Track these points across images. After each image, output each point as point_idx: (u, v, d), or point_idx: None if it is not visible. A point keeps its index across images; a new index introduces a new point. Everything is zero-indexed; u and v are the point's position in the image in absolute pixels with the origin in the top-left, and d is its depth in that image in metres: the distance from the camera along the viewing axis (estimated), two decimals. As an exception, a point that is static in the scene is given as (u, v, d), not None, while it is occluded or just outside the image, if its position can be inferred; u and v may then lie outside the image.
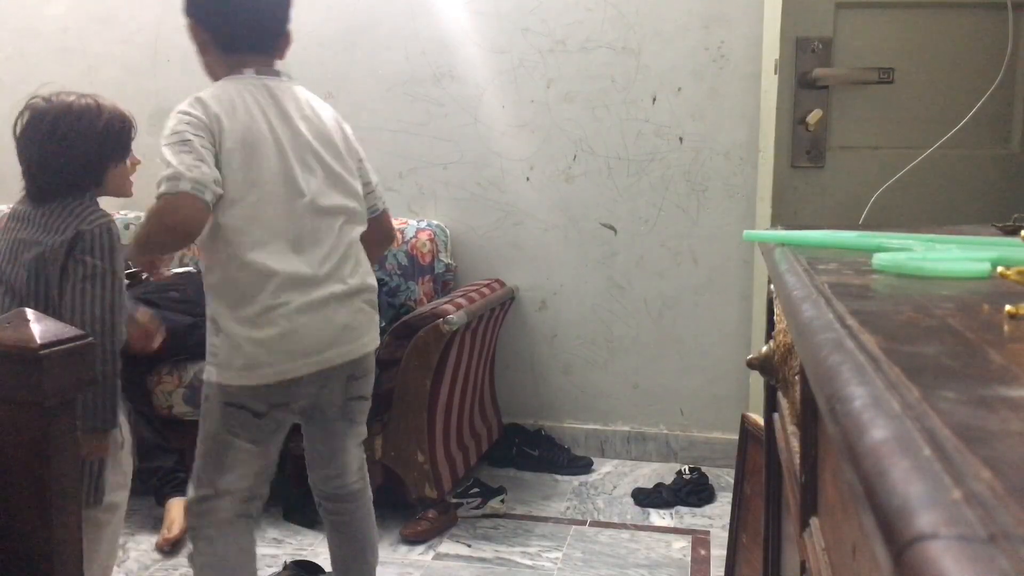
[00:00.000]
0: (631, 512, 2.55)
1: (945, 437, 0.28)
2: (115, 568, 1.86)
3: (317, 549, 2.26)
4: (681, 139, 2.81)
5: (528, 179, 2.93)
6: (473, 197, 2.98)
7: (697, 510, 2.56)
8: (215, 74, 1.58)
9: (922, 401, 0.32)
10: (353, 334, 1.59)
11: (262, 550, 1.97)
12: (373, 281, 1.68)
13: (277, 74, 1.60)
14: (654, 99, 2.81)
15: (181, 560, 2.24)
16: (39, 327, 0.98)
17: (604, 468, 2.89)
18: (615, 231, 2.89)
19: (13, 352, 0.96)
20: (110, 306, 1.50)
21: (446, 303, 2.41)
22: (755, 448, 1.67)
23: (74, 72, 3.17)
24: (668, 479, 2.71)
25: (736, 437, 1.82)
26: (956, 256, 0.70)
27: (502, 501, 2.52)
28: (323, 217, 1.56)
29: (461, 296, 2.54)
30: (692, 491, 2.62)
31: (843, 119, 2.08)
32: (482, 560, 2.24)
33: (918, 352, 0.40)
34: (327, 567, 1.96)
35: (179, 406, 2.49)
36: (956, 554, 0.21)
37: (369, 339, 1.65)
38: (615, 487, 2.74)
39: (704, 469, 2.75)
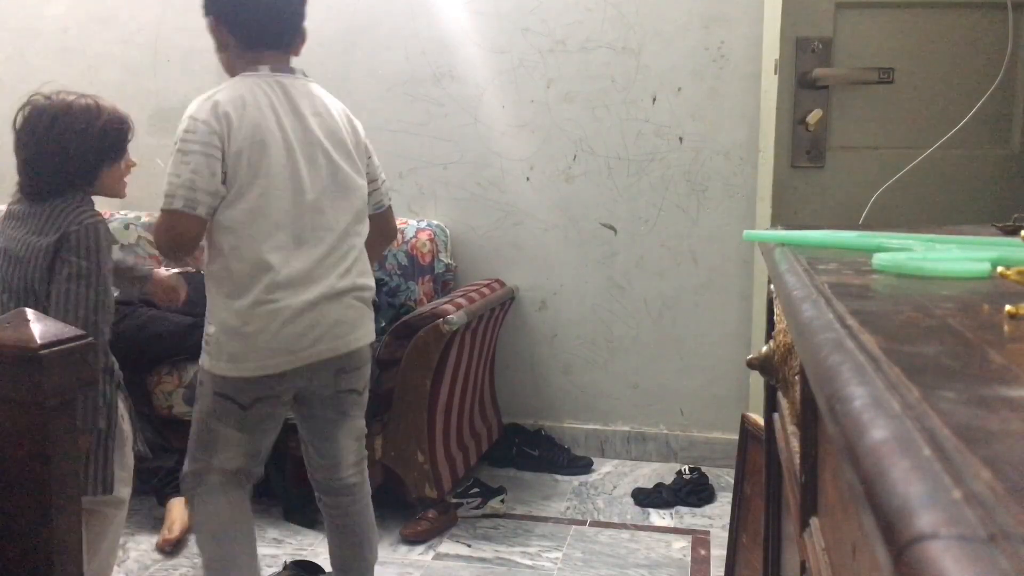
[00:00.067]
0: (631, 512, 2.55)
1: (945, 437, 0.28)
2: (115, 568, 1.86)
3: (317, 549, 2.26)
4: (681, 139, 2.81)
5: (528, 179, 2.93)
6: (473, 197, 2.98)
7: (697, 510, 2.56)
8: (232, 70, 1.62)
9: (922, 401, 0.32)
10: (343, 329, 1.62)
11: (262, 550, 1.97)
12: (370, 281, 1.70)
13: (292, 71, 1.64)
14: (654, 99, 2.81)
15: (181, 560, 2.24)
16: (39, 327, 0.98)
17: (604, 468, 2.89)
18: (615, 231, 2.89)
19: (13, 352, 0.96)
20: (94, 306, 1.51)
21: (446, 303, 2.41)
22: (755, 448, 1.67)
23: (74, 72, 3.17)
24: (668, 479, 2.71)
25: (736, 437, 1.82)
26: (956, 256, 0.70)
27: (502, 501, 2.52)
28: (325, 216, 1.60)
29: (461, 296, 2.54)
30: (692, 491, 2.62)
31: (843, 119, 2.08)
32: (482, 560, 2.24)
33: (918, 352, 0.40)
34: (327, 567, 1.96)
35: (179, 406, 2.49)
36: (956, 554, 0.21)
37: (361, 334, 1.67)
38: (615, 487, 2.74)
39: (704, 469, 2.75)
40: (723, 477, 2.73)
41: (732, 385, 2.86)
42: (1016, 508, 0.23)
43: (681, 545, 2.33)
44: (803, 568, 0.73)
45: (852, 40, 2.04)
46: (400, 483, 2.37)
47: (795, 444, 0.82)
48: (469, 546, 2.32)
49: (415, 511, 2.39)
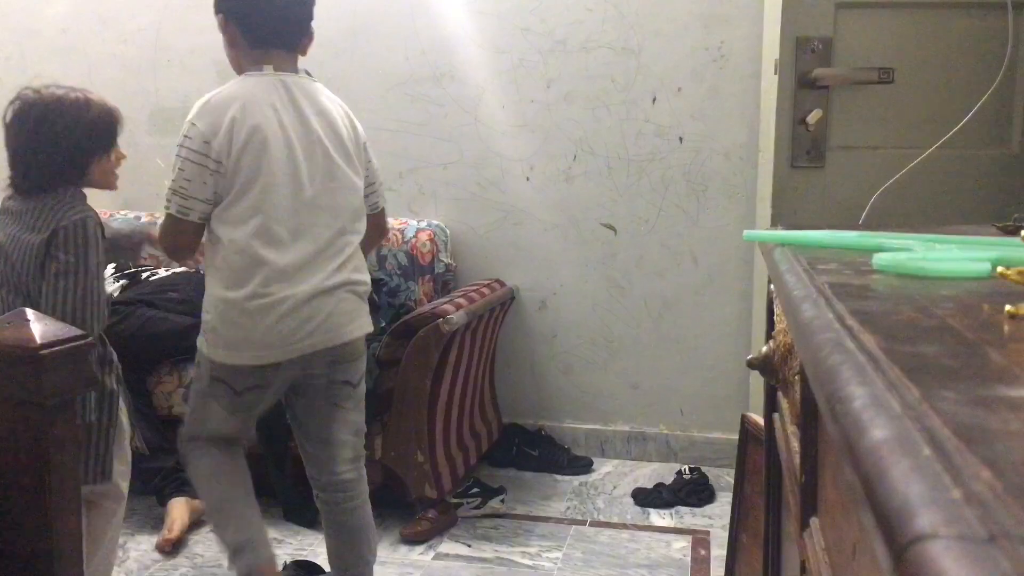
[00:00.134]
0: (631, 512, 2.55)
1: (945, 437, 0.28)
2: (115, 568, 1.86)
3: (317, 549, 2.26)
4: (681, 139, 2.81)
5: (528, 179, 2.93)
6: (473, 197, 2.98)
7: (697, 510, 2.56)
8: (239, 67, 1.67)
9: (922, 401, 0.32)
10: (338, 321, 1.66)
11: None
12: (365, 276, 1.75)
13: (296, 71, 1.67)
14: (654, 99, 2.81)
15: (181, 560, 2.24)
16: (39, 327, 0.98)
17: (604, 468, 2.89)
18: (615, 231, 2.89)
19: (13, 352, 0.96)
20: (81, 301, 1.52)
21: (446, 303, 2.41)
22: (755, 448, 1.67)
23: (74, 72, 3.17)
24: (668, 479, 2.71)
25: (736, 437, 1.82)
26: (956, 256, 0.70)
27: (502, 501, 2.53)
28: (323, 213, 1.64)
29: (461, 296, 2.54)
30: (692, 491, 2.62)
31: (843, 119, 2.08)
32: (482, 560, 2.24)
33: (918, 352, 0.40)
34: (327, 567, 1.96)
35: (179, 406, 2.48)
36: (956, 554, 0.21)
37: (356, 326, 1.71)
38: (615, 487, 2.74)
39: (704, 469, 2.75)
40: (723, 477, 2.73)
41: (732, 385, 2.86)
42: (1016, 508, 0.23)
43: (681, 545, 2.33)
44: (803, 568, 0.73)
45: (852, 40, 2.04)
46: (400, 483, 2.37)
47: (795, 444, 0.82)
48: (469, 546, 2.32)
49: (415, 511, 2.39)
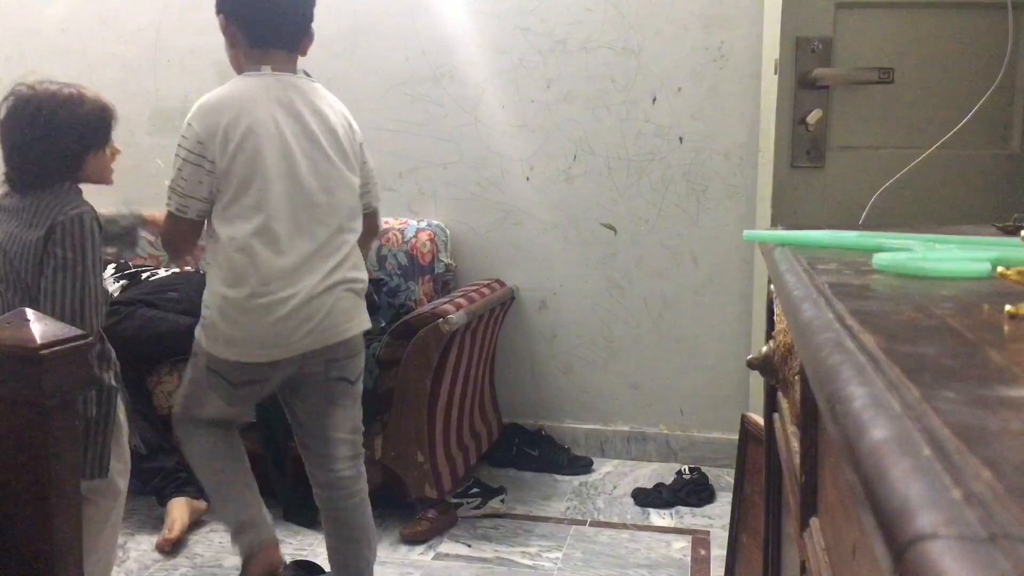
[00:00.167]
0: (631, 512, 2.55)
1: (945, 437, 0.28)
2: (115, 568, 1.86)
3: (317, 549, 2.26)
4: (681, 139, 2.81)
5: (528, 179, 2.93)
6: (473, 197, 2.98)
7: (697, 510, 2.56)
8: (239, 67, 1.69)
9: (922, 401, 0.32)
10: (335, 319, 1.67)
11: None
12: (362, 274, 1.76)
13: (295, 71, 1.69)
14: (654, 99, 2.81)
15: (181, 560, 2.24)
16: (39, 327, 0.98)
17: (604, 468, 2.89)
18: (615, 231, 2.89)
19: (13, 352, 0.96)
20: (80, 297, 1.52)
21: (446, 303, 2.41)
22: (755, 448, 1.67)
23: (74, 72, 3.17)
24: (668, 479, 2.71)
25: (736, 437, 1.82)
26: (956, 256, 0.70)
27: (502, 501, 2.52)
28: (320, 212, 1.65)
29: (461, 296, 2.54)
30: (692, 491, 2.62)
31: (843, 119, 2.08)
32: (482, 560, 2.24)
33: (918, 352, 0.40)
34: (327, 567, 1.96)
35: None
36: (956, 554, 0.21)
37: (353, 324, 1.72)
38: (615, 487, 2.74)
39: (704, 469, 2.75)
40: (723, 477, 2.73)
41: (732, 385, 2.86)
42: (1016, 508, 0.23)
43: (681, 545, 2.33)
44: (803, 568, 0.73)
45: (852, 40, 2.04)
46: (400, 483, 2.37)
47: (795, 444, 0.82)
48: (469, 546, 2.32)
49: (415, 511, 2.39)
